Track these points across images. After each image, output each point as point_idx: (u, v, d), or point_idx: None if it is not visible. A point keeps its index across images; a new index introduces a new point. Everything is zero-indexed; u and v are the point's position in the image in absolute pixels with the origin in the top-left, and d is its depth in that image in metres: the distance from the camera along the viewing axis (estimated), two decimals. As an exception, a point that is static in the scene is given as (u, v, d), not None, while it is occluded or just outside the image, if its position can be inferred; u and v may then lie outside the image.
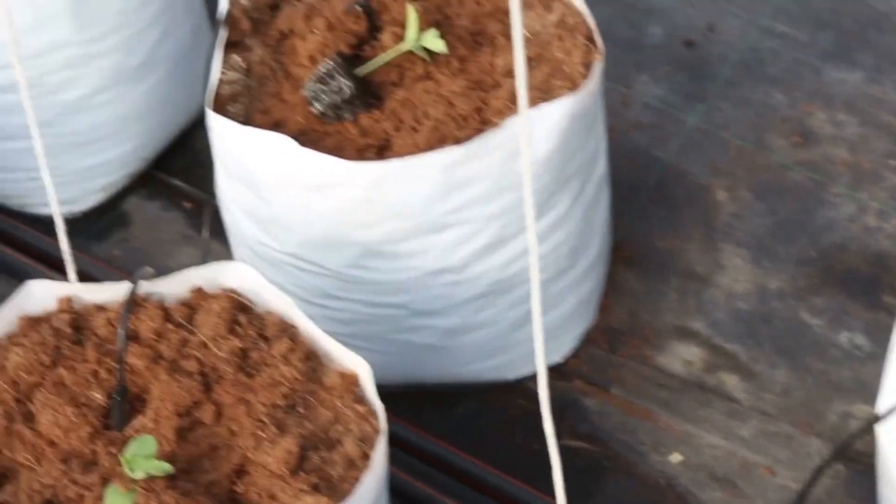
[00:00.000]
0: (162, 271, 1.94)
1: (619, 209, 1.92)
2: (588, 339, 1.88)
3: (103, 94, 1.92)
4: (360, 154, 1.62)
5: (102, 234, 2.01)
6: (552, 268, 1.74)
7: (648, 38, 2.20)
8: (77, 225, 2.02)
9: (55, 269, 1.95)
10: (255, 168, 1.62)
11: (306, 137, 1.63)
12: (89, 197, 2.02)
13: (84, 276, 1.91)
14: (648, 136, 2.09)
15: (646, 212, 2.00)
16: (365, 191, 1.58)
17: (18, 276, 1.94)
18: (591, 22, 1.69)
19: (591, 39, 1.68)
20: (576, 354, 1.86)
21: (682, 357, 1.85)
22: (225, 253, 1.95)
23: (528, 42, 1.69)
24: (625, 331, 1.88)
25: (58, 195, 1.98)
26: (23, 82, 1.10)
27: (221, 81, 1.67)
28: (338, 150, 1.61)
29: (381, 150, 1.62)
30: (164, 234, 2.01)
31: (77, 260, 1.93)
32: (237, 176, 1.66)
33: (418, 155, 1.56)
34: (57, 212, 1.16)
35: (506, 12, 1.72)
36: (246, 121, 1.65)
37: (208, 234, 1.83)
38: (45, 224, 2.01)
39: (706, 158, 2.05)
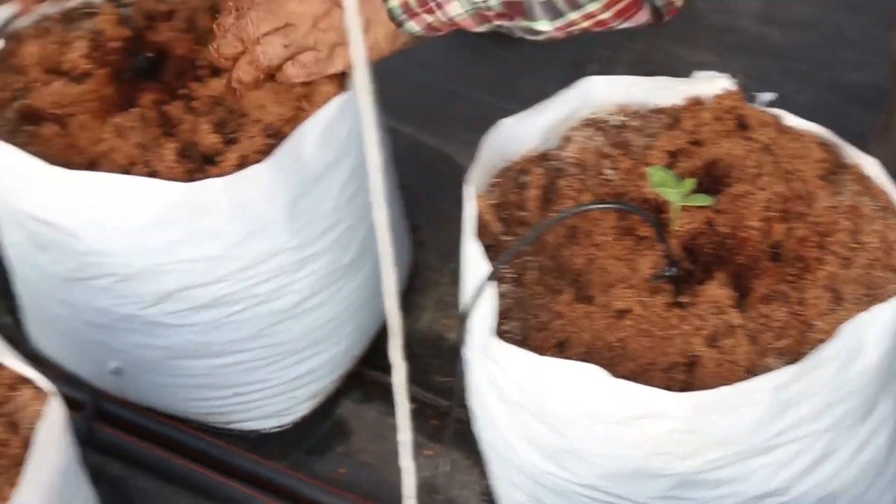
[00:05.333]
0: (396, 490, 1.73)
1: None
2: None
3: (316, 298, 1.70)
4: (666, 374, 1.40)
5: (321, 448, 1.77)
6: (871, 472, 1.52)
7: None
8: (288, 438, 1.80)
9: (264, 489, 1.73)
10: (554, 401, 1.39)
11: (601, 357, 1.41)
12: (300, 406, 1.80)
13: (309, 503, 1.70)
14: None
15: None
16: (687, 422, 1.36)
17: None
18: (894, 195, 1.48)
19: (899, 216, 1.47)
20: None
21: None
22: (468, 464, 1.73)
23: (826, 227, 1.48)
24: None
25: (265, 409, 1.78)
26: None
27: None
28: (642, 373, 1.40)
29: (691, 367, 1.41)
30: (391, 443, 1.76)
31: (299, 484, 1.73)
32: (519, 404, 1.44)
33: (748, 380, 1.34)
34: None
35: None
36: (523, 340, 1.43)
37: (448, 447, 1.61)
38: (252, 441, 1.80)
39: None
